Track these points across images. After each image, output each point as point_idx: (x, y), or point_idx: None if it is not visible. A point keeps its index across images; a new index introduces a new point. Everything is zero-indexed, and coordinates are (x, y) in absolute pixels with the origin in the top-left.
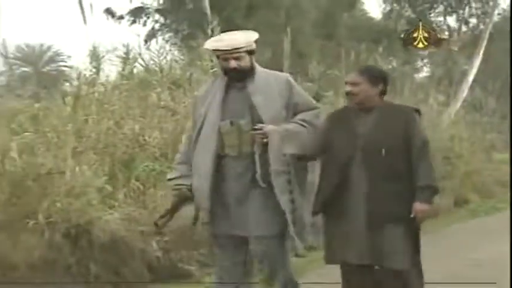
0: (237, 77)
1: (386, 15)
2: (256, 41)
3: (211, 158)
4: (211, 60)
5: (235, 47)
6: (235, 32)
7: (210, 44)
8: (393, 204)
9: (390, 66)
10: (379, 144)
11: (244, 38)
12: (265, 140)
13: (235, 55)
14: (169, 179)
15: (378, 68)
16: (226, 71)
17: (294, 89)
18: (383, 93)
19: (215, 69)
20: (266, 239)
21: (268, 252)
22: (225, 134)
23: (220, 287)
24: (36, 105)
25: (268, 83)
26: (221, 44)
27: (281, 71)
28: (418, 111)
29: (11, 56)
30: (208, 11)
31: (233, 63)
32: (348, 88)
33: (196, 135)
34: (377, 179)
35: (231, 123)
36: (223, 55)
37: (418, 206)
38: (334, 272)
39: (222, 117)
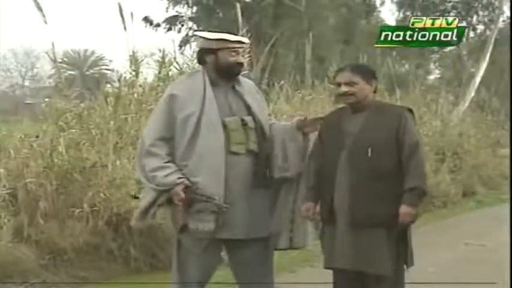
0: (237, 72)
1: (400, 22)
2: None
3: (223, 155)
4: None
5: (249, 42)
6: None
7: (230, 36)
8: (376, 207)
9: (403, 69)
10: (366, 143)
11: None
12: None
13: (242, 51)
14: (166, 175)
15: (368, 65)
16: (230, 65)
17: (261, 95)
18: (375, 90)
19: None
20: (263, 241)
21: (263, 255)
22: (232, 131)
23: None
24: (81, 105)
25: (249, 86)
26: (240, 38)
27: (303, 73)
28: (410, 110)
29: (59, 60)
30: (240, 19)
31: (242, 58)
32: (345, 89)
33: (193, 134)
34: (360, 180)
35: (242, 120)
36: (235, 48)
37: (403, 209)
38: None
39: (224, 115)
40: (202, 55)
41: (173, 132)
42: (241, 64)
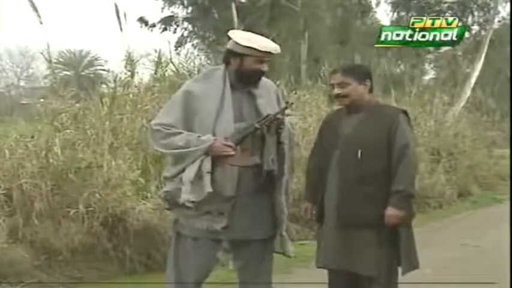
0: (257, 79)
1: (395, 22)
2: None
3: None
4: None
5: (279, 50)
6: (256, 34)
7: (261, 45)
8: (363, 208)
9: (399, 70)
10: (356, 145)
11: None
12: (279, 129)
13: (267, 59)
14: (200, 136)
15: (362, 65)
16: (252, 72)
17: (280, 98)
18: (371, 90)
19: None
20: (264, 242)
21: (263, 255)
22: None
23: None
24: (77, 105)
25: (267, 88)
26: (273, 47)
27: (299, 74)
28: (405, 112)
29: (54, 60)
30: (236, 19)
31: (265, 67)
32: (338, 91)
33: (212, 132)
34: (348, 180)
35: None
36: (262, 57)
37: (389, 211)
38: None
39: (235, 119)
40: (228, 56)
41: (188, 127)
42: (263, 73)
